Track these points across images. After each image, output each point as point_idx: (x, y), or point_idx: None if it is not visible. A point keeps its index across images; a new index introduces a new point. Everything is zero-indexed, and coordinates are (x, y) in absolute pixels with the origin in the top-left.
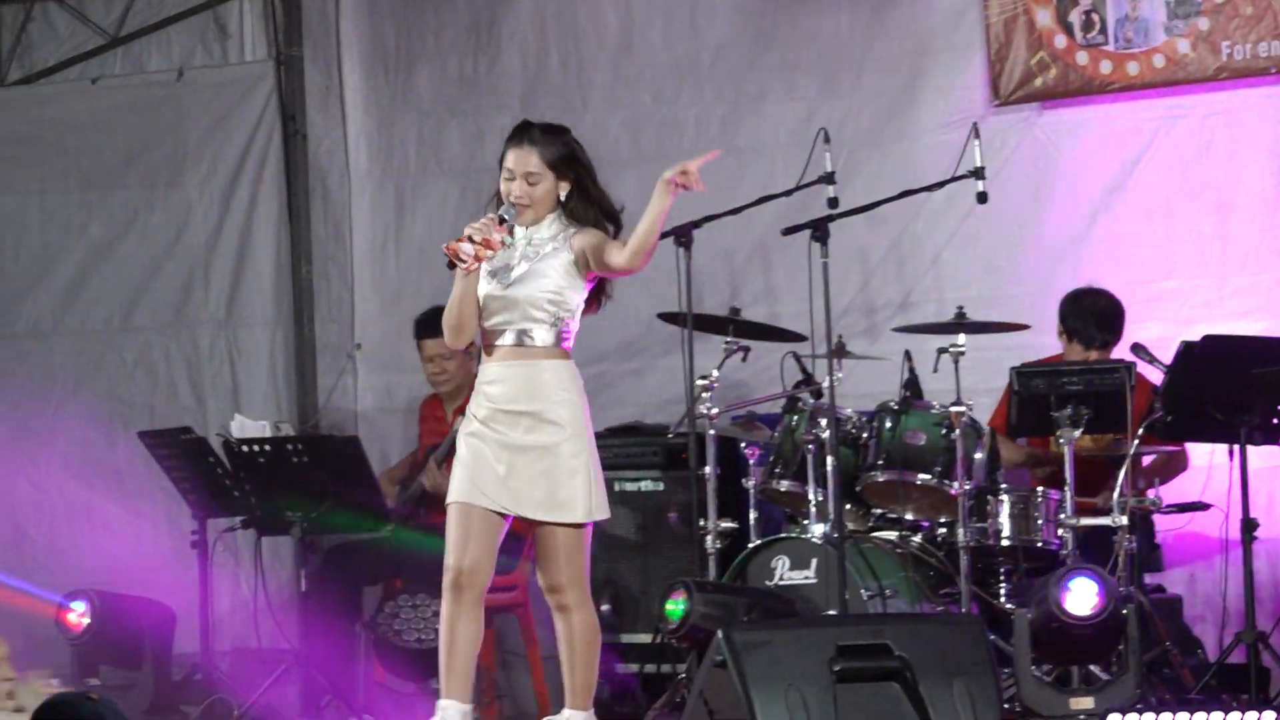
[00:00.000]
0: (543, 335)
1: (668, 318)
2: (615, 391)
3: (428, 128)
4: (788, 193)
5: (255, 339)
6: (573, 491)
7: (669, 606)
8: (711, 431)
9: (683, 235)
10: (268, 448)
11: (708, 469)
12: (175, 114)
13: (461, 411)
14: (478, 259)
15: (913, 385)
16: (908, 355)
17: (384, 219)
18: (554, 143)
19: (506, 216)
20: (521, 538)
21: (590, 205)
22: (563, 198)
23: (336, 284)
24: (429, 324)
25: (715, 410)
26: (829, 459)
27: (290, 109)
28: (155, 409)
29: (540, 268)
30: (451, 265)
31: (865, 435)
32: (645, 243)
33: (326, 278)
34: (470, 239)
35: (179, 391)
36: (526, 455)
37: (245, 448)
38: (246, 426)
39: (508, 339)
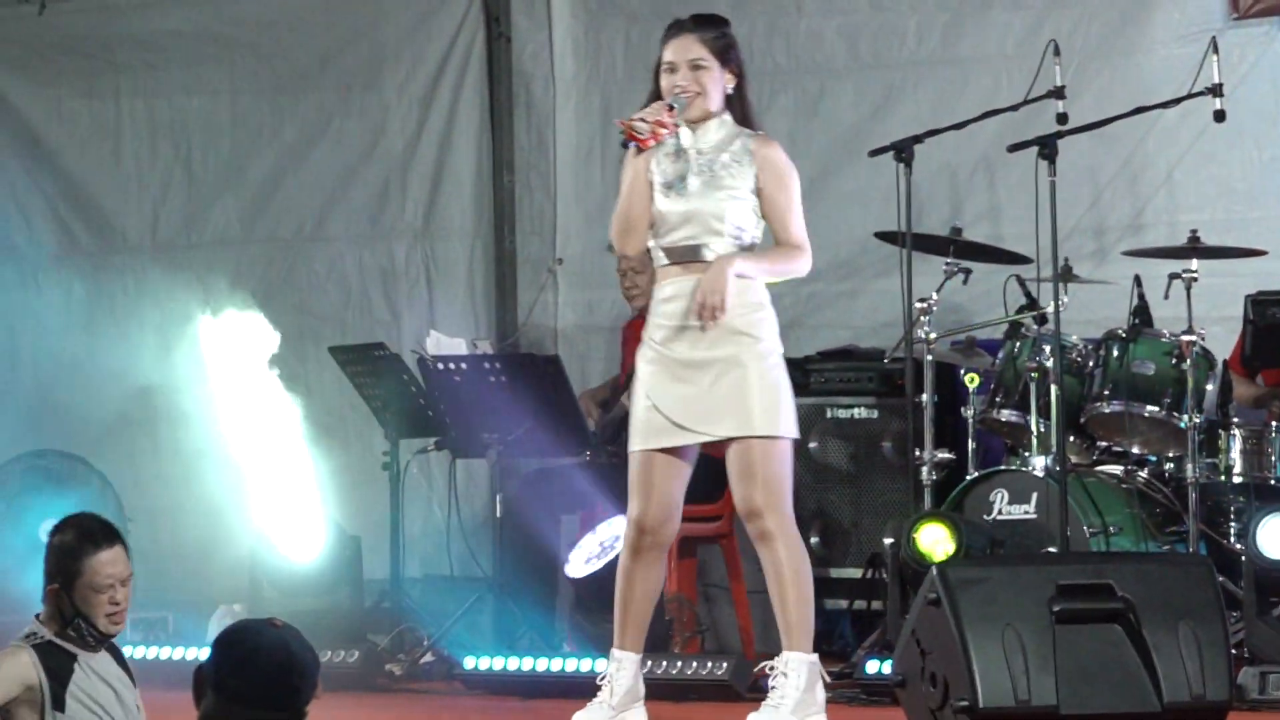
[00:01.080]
0: (723, 247)
1: (885, 236)
2: (828, 313)
3: (636, 33)
4: (1014, 107)
5: (453, 251)
6: (768, 403)
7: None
8: (929, 357)
9: (903, 150)
10: (464, 366)
11: (925, 396)
12: (373, 12)
13: None
14: (655, 137)
15: (1142, 312)
16: (1137, 280)
17: (589, 128)
18: (718, 30)
19: (675, 105)
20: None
21: (749, 111)
22: (729, 90)
23: (539, 195)
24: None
25: (934, 335)
26: (1053, 388)
27: (494, 10)
28: (347, 323)
29: (719, 178)
30: (625, 144)
31: (1091, 364)
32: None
33: (529, 188)
34: (643, 119)
35: (372, 305)
36: (712, 370)
37: (441, 365)
38: (442, 343)
39: (684, 253)
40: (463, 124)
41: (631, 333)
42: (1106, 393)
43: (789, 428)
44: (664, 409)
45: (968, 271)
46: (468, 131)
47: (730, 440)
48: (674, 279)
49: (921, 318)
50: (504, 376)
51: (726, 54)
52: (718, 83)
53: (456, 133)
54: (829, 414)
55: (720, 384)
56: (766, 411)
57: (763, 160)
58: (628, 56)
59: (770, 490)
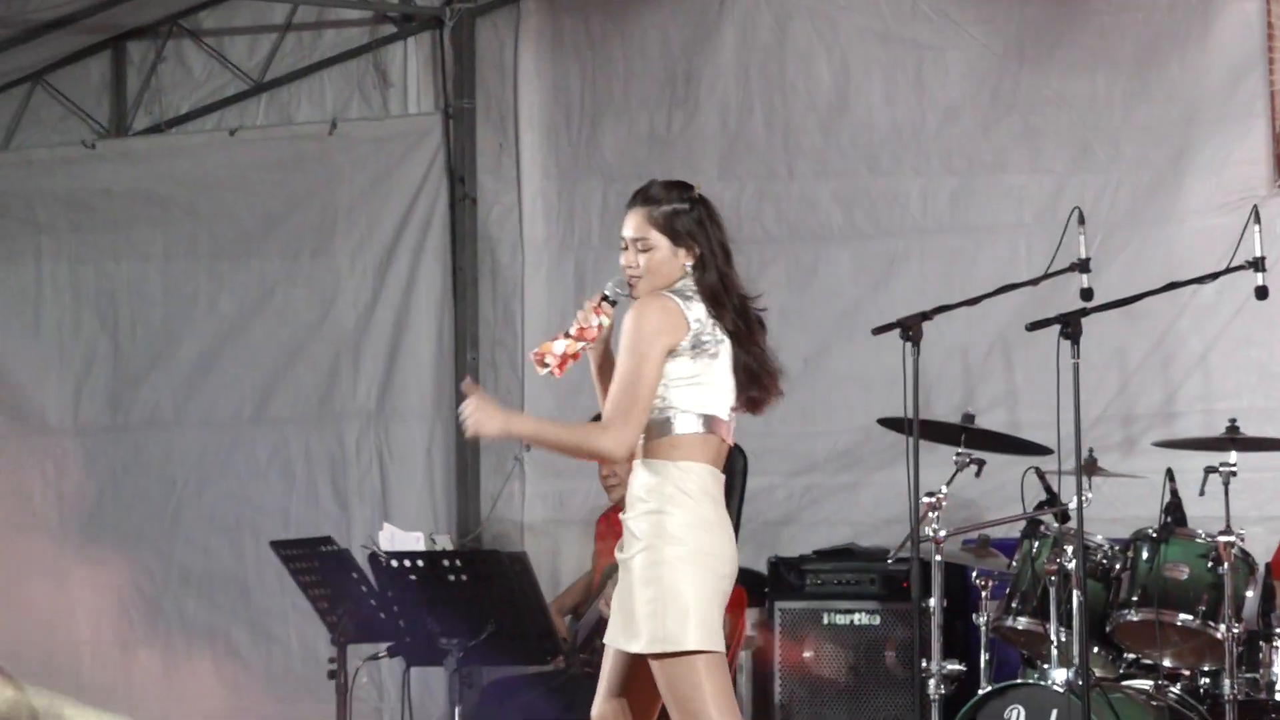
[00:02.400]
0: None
1: (889, 424)
2: (826, 508)
3: (613, 194)
4: (1033, 281)
5: (410, 436)
6: (653, 612)
7: None
8: (937, 558)
9: (909, 328)
10: (421, 563)
11: (932, 601)
12: (325, 172)
13: None
14: (571, 358)
15: (1175, 510)
16: (1170, 475)
17: (562, 297)
18: (671, 203)
19: (609, 293)
20: None
21: (717, 288)
22: (689, 268)
23: (505, 372)
24: None
25: (943, 533)
26: (1075, 593)
27: (459, 169)
28: (291, 515)
29: None
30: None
31: (1118, 567)
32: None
33: (494, 365)
34: (566, 333)
35: (319, 495)
36: (625, 570)
37: (395, 563)
38: (397, 538)
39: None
40: (422, 293)
41: (608, 526)
42: (1135, 599)
43: (676, 640)
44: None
45: (981, 463)
46: (427, 301)
47: None
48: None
49: (929, 514)
50: (465, 575)
51: (679, 229)
52: (668, 263)
53: (415, 303)
54: (825, 620)
55: (621, 588)
56: (651, 621)
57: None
58: (604, 219)
59: (681, 714)
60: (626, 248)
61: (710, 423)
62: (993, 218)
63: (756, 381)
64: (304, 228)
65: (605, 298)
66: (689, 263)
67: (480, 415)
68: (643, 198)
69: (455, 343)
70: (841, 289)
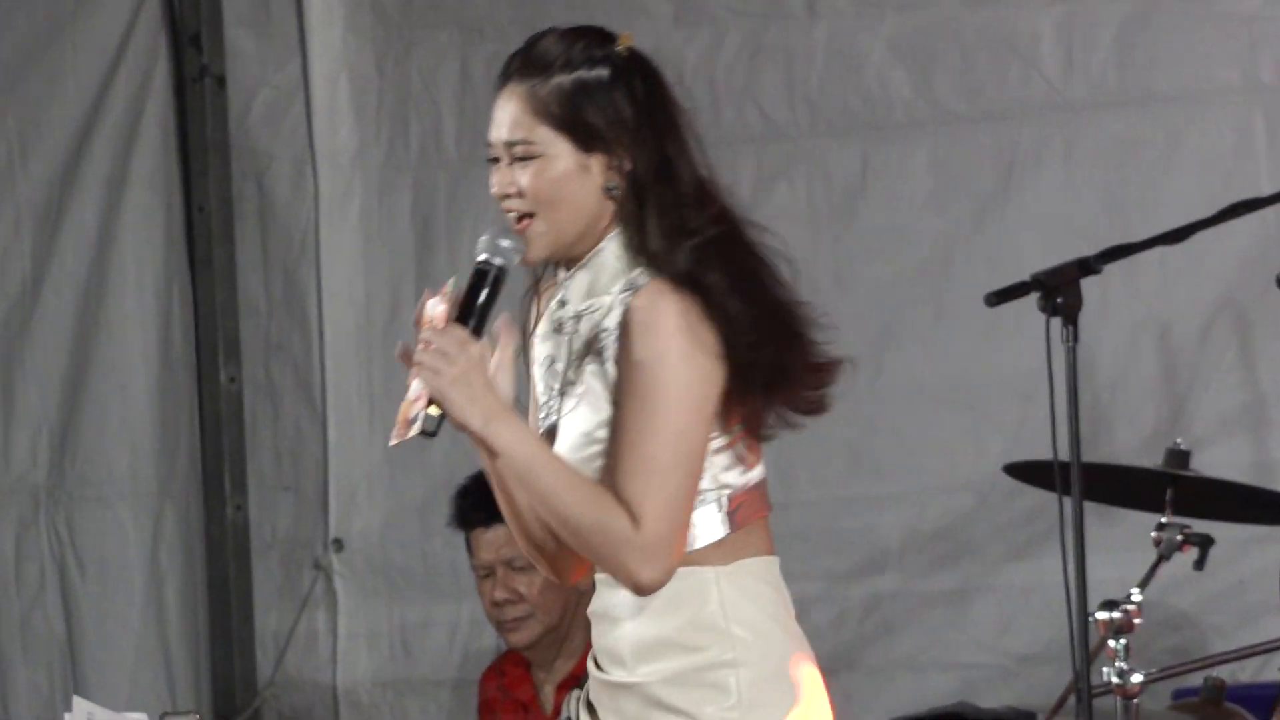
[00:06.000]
0: None
1: (1023, 472)
2: (910, 636)
3: (479, 61)
4: None
5: (114, 529)
6: None
7: None
8: None
9: (1057, 291)
10: None
11: None
12: None
13: (566, 686)
14: (403, 427)
15: None
16: None
17: (392, 259)
18: (576, 65)
19: (485, 260)
20: None
21: (664, 226)
22: (613, 192)
23: (291, 403)
24: (483, 496)
25: (1136, 677)
26: None
27: (187, 22)
28: None
29: (575, 381)
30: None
31: None
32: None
33: (270, 392)
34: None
35: None
36: None
37: None
38: (97, 718)
39: None
40: (128, 259)
41: (502, 692)
42: None
43: None
44: None
45: (1206, 541)
46: (138, 274)
47: None
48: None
49: (1109, 642)
50: None
51: (588, 120)
52: (575, 182)
53: (115, 278)
54: None
55: None
56: None
57: (630, 327)
58: (464, 110)
59: None
60: (499, 159)
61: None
62: (1201, 77)
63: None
64: None
65: (480, 271)
66: (610, 182)
67: (450, 368)
68: (523, 65)
69: (195, 351)
70: (915, 222)
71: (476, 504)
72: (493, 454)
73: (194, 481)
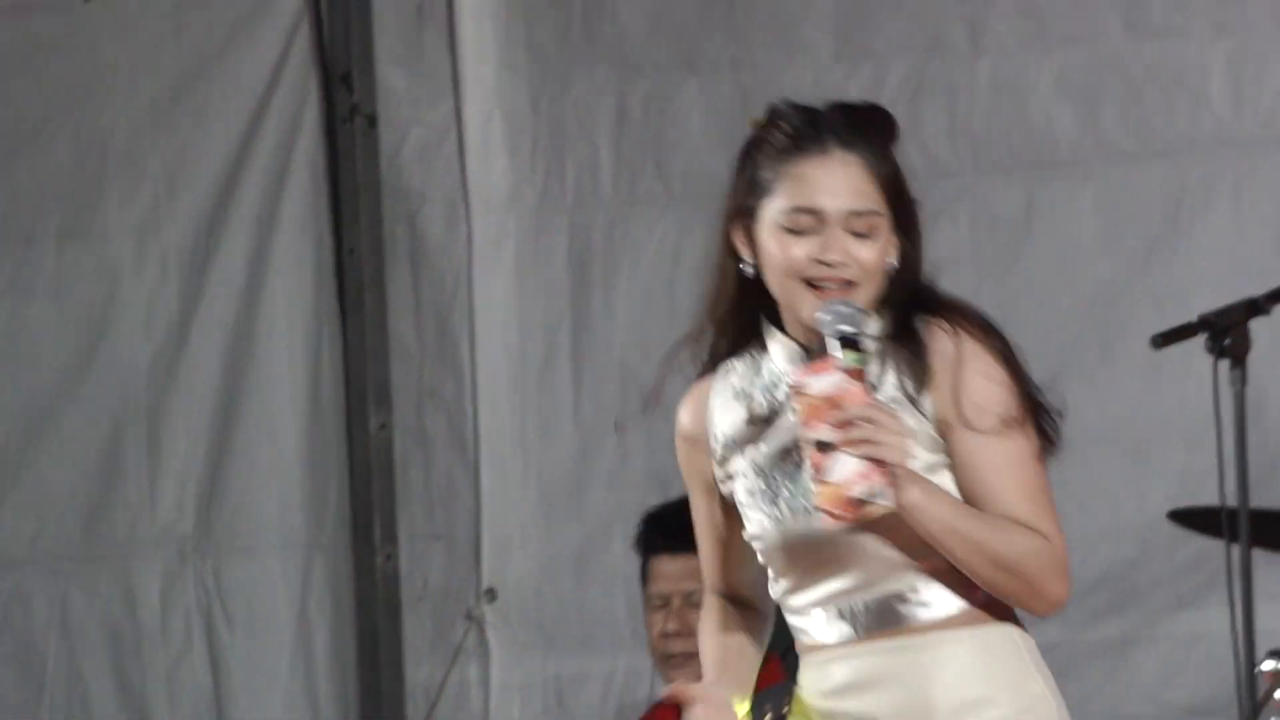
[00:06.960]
0: (933, 591)
1: (1190, 519)
2: (1069, 688)
3: (636, 101)
4: None
5: (263, 581)
6: None
7: None
8: None
9: (1226, 331)
10: None
11: None
12: (79, 72)
13: None
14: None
15: None
16: None
17: (546, 303)
18: (887, 141)
19: (839, 333)
20: None
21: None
22: (894, 263)
23: (443, 449)
24: (673, 523)
25: None
26: None
27: (338, 60)
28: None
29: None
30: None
31: None
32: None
33: (422, 436)
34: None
35: (90, 698)
36: None
37: None
38: None
39: (845, 616)
40: (277, 301)
41: None
42: None
43: None
44: None
45: None
46: (288, 317)
47: None
48: (835, 657)
49: None
50: None
51: (905, 197)
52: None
53: (263, 320)
54: None
55: None
56: None
57: (935, 355)
58: (620, 150)
59: None
60: (820, 224)
61: None
62: None
63: None
64: (42, 179)
65: (847, 341)
66: (892, 256)
67: (902, 443)
68: (849, 133)
69: (345, 397)
70: (1080, 262)
71: (665, 530)
72: (919, 519)
73: (343, 531)
